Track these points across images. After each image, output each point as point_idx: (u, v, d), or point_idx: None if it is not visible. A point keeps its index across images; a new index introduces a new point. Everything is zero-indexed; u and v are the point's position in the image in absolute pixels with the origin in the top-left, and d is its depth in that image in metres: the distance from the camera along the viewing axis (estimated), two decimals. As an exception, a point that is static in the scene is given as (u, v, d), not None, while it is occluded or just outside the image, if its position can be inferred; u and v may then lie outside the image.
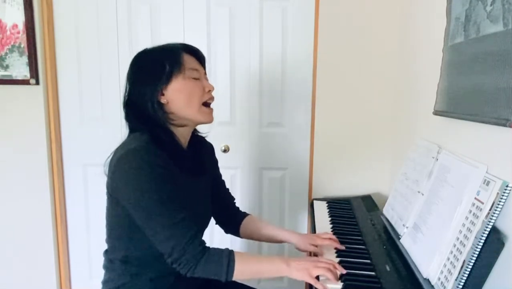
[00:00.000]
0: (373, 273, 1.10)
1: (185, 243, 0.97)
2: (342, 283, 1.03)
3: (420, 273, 1.00)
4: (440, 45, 1.23)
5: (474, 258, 0.82)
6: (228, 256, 1.00)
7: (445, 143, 1.20)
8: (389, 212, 1.41)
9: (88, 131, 2.02)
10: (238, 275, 1.00)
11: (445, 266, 0.91)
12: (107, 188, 1.07)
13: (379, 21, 1.83)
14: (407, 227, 1.20)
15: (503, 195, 0.81)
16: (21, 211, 2.00)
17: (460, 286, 0.83)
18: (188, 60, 1.09)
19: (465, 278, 0.83)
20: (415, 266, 1.04)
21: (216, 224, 1.36)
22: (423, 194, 1.18)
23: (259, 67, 1.94)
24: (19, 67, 1.90)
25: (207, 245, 1.02)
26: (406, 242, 1.16)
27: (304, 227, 2.05)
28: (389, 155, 1.91)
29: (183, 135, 1.13)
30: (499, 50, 0.85)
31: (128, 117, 1.11)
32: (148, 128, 1.05)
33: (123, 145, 1.07)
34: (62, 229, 2.07)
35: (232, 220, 1.35)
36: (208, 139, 1.32)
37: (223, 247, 1.04)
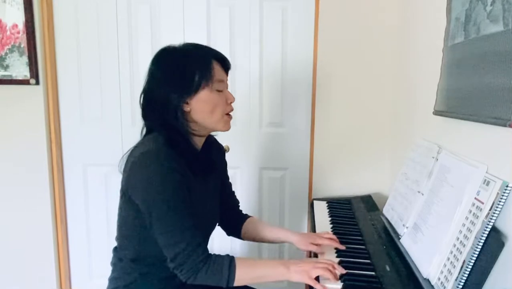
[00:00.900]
0: (373, 273, 1.10)
1: (189, 251, 0.98)
2: (342, 283, 1.03)
3: (420, 273, 1.00)
4: (440, 45, 1.23)
5: (474, 258, 0.82)
6: (229, 264, 1.01)
7: (445, 143, 1.20)
8: (389, 212, 1.41)
9: (88, 131, 2.02)
10: (238, 282, 1.02)
11: (445, 266, 0.91)
12: (122, 186, 1.08)
13: (379, 21, 1.83)
14: (407, 227, 1.20)
15: (503, 195, 0.81)
16: (21, 210, 2.00)
17: (460, 286, 0.83)
18: (217, 71, 1.08)
19: (465, 278, 0.83)
20: (415, 266, 1.04)
21: (218, 225, 1.37)
22: (423, 194, 1.18)
23: (259, 67, 1.94)
24: (19, 67, 1.90)
25: (209, 252, 1.04)
26: (406, 242, 1.16)
27: (304, 227, 2.05)
28: (389, 154, 1.91)
29: (199, 139, 1.14)
30: (499, 50, 0.85)
31: (147, 116, 1.11)
32: (166, 131, 1.06)
33: (140, 144, 1.08)
34: (62, 228, 2.07)
35: (235, 223, 1.35)
36: None
37: (223, 246, 1.05)
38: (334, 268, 1.04)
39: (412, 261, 1.07)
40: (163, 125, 1.07)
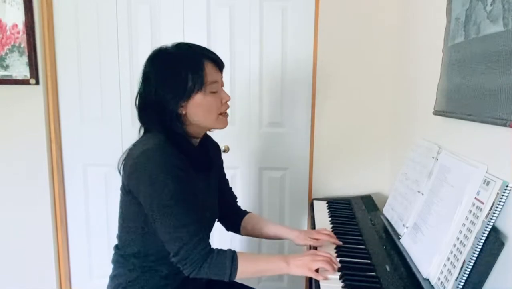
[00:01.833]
0: (373, 273, 1.10)
1: (192, 245, 1.00)
2: (342, 284, 1.03)
3: (420, 273, 1.00)
4: (440, 45, 1.23)
5: (474, 258, 0.82)
6: (231, 258, 1.03)
7: (445, 143, 1.20)
8: (389, 212, 1.41)
9: (88, 131, 2.02)
10: (240, 275, 1.04)
11: (445, 266, 0.91)
12: (123, 184, 1.09)
13: (379, 21, 1.83)
14: (407, 227, 1.20)
15: (503, 195, 0.81)
16: (21, 210, 2.00)
17: (460, 286, 0.83)
18: (209, 72, 1.08)
19: (465, 278, 0.83)
20: (415, 266, 1.04)
21: (217, 221, 1.38)
22: (423, 194, 1.18)
23: (259, 67, 1.94)
24: (19, 67, 1.90)
25: (211, 246, 1.05)
26: (406, 242, 1.16)
27: (304, 227, 2.05)
28: (389, 154, 1.91)
29: (196, 137, 1.16)
30: (499, 50, 0.85)
31: (143, 119, 1.12)
32: (163, 131, 1.07)
33: (138, 143, 1.09)
34: (62, 228, 2.07)
35: (233, 218, 1.37)
36: None
37: (222, 243, 1.06)
38: (332, 260, 1.08)
39: (412, 261, 1.07)
40: (160, 127, 1.08)
